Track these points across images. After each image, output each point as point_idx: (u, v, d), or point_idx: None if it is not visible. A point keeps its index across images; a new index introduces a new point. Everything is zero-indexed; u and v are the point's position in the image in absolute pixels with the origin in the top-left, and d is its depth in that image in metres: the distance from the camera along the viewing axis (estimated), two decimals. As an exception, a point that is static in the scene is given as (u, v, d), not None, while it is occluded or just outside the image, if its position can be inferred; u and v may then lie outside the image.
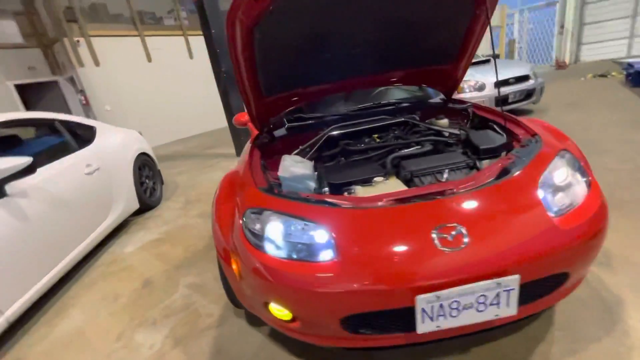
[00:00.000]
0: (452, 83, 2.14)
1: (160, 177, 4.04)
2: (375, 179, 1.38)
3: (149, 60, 8.04)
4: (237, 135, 5.37)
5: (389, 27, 1.66)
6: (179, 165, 5.58)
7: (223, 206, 1.47)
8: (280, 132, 2.08)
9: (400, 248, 1.02)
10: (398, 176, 1.43)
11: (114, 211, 2.92)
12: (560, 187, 1.15)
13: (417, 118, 1.96)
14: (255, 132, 2.30)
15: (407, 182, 1.37)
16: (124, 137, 3.46)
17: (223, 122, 8.95)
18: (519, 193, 1.12)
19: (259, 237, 1.19)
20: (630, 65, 6.29)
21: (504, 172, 1.21)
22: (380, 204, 1.13)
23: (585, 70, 8.94)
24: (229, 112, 5.23)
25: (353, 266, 1.02)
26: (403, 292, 0.97)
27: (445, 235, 1.01)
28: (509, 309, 1.00)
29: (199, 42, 8.77)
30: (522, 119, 1.65)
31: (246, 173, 1.53)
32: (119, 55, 7.48)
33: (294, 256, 1.12)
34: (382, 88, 2.42)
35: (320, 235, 1.11)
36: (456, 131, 1.73)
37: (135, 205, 3.28)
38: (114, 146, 3.19)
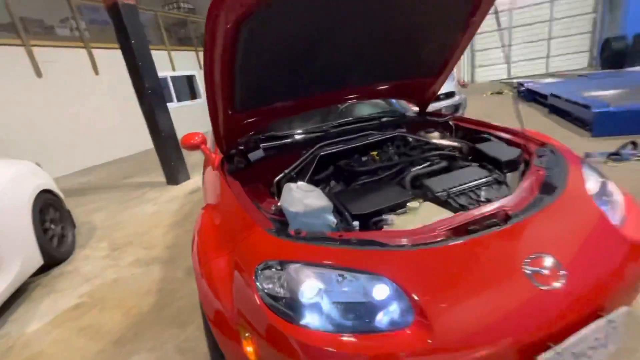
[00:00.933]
0: (428, 96, 2.09)
1: (71, 219, 3.16)
2: (408, 204, 1.15)
3: (39, 75, 6.60)
4: (167, 159, 4.64)
5: (385, 34, 1.50)
6: (92, 201, 4.55)
7: (213, 255, 1.07)
8: (254, 155, 1.72)
9: (495, 294, 0.80)
10: (426, 198, 1.23)
11: (2, 274, 2.09)
12: (607, 196, 1.09)
13: (406, 132, 1.82)
14: (215, 156, 1.91)
15: (443, 204, 1.18)
16: (15, 172, 2.58)
17: (140, 146, 7.91)
18: (580, 209, 1.01)
19: (288, 302, 0.85)
20: (520, 84, 7.55)
21: (547, 186, 1.11)
22: (442, 238, 0.90)
23: (483, 89, 10.46)
24: (156, 134, 4.50)
25: (446, 328, 0.75)
26: (519, 353, 0.74)
27: (538, 270, 0.82)
28: (612, 347, 0.85)
29: (105, 56, 7.64)
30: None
31: (238, 210, 1.15)
32: (-4, 68, 5.96)
33: (348, 324, 0.80)
34: (350, 103, 2.27)
35: (381, 290, 0.82)
36: (457, 144, 1.63)
37: (37, 261, 2.43)
38: (0, 186, 2.33)
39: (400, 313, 0.79)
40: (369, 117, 2.04)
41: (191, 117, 9.00)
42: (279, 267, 0.90)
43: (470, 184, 1.23)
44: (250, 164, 1.67)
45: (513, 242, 0.90)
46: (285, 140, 1.82)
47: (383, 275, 0.83)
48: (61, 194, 3.09)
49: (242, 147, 1.78)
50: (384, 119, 2.01)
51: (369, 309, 0.82)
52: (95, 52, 7.58)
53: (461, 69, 12.92)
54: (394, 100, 2.49)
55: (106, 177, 6.12)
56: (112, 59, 7.17)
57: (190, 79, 10.54)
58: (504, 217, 0.99)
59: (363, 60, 1.66)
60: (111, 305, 2.09)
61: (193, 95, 10.58)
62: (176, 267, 2.40)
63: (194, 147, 2.27)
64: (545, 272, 0.82)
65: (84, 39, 7.43)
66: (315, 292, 0.84)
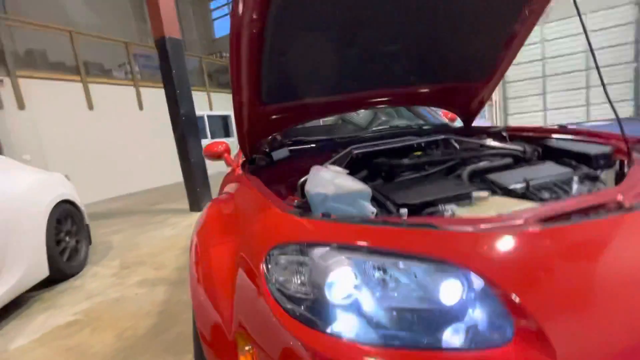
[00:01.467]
0: (475, 107, 1.86)
1: (88, 234, 3.06)
2: (475, 194, 0.87)
3: (90, 107, 7.17)
4: (193, 186, 4.62)
5: (431, 25, 1.33)
6: (115, 224, 4.51)
7: (215, 241, 0.83)
8: (279, 154, 1.53)
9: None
10: (493, 193, 0.95)
11: (1, 277, 1.92)
12: None
13: (455, 136, 1.57)
14: (237, 163, 1.74)
15: (521, 198, 0.88)
16: (38, 179, 2.56)
17: (171, 179, 8.11)
18: None
19: (310, 302, 0.59)
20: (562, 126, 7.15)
21: None
22: (537, 224, 0.61)
23: (518, 135, 10.06)
24: (185, 160, 4.54)
25: (574, 349, 0.44)
26: None
27: None
28: None
29: (149, 94, 8.26)
30: None
31: (253, 195, 0.94)
32: (53, 99, 6.53)
33: (402, 336, 0.52)
34: (386, 108, 2.08)
35: (454, 287, 0.54)
36: (519, 147, 1.35)
37: (42, 271, 2.28)
38: (19, 188, 2.28)
39: (490, 323, 0.50)
40: (407, 127, 1.83)
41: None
42: (299, 252, 0.64)
43: (552, 178, 0.93)
44: (273, 163, 1.47)
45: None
46: (314, 143, 1.63)
47: (461, 265, 0.54)
48: (83, 208, 3.03)
49: (266, 149, 1.61)
50: (425, 127, 1.78)
51: (435, 314, 0.53)
52: (142, 90, 8.23)
53: (493, 117, 12.69)
54: (431, 117, 2.28)
55: (134, 203, 6.20)
56: (156, 97, 7.71)
57: (225, 119, 11.08)
58: (617, 207, 0.69)
59: (405, 56, 1.49)
60: (106, 325, 1.83)
61: (227, 133, 11.04)
62: (183, 290, 2.14)
63: (217, 156, 2.14)
64: None
65: (134, 80, 8.14)
66: (351, 288, 0.57)
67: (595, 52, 1.09)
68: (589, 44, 1.08)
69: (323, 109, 1.60)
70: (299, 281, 0.62)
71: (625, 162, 1.02)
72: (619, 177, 1.02)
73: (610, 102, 0.97)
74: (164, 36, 4.14)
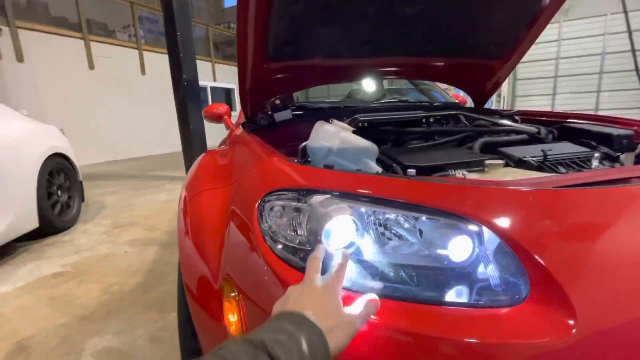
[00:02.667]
0: (490, 87, 1.78)
1: (81, 191, 3.01)
2: (487, 161, 0.82)
3: (91, 67, 6.98)
4: (191, 154, 4.53)
5: None
6: (110, 186, 4.46)
7: (207, 186, 0.78)
8: (281, 116, 1.46)
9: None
10: (507, 165, 0.89)
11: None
12: None
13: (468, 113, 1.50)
14: (235, 126, 1.68)
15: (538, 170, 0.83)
16: (32, 129, 2.49)
17: (171, 148, 8.01)
18: None
19: (306, 250, 0.54)
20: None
21: None
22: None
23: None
24: (185, 127, 4.44)
25: (596, 311, 0.40)
26: None
27: None
28: None
29: (153, 60, 8.03)
30: None
31: (252, 146, 0.88)
32: (53, 54, 6.34)
33: (405, 289, 0.48)
34: (398, 77, 1.99)
35: (464, 243, 0.49)
36: (533, 129, 1.29)
37: (32, 221, 2.24)
38: (12, 135, 2.21)
39: (503, 281, 0.45)
40: (418, 102, 1.75)
41: (222, 128, 9.15)
42: (297, 199, 0.59)
43: (569, 155, 0.88)
44: (274, 125, 1.41)
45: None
46: (319, 107, 1.56)
47: (474, 219, 0.49)
48: (77, 164, 2.96)
49: (269, 112, 1.54)
50: (435, 104, 1.71)
51: (443, 271, 0.49)
52: (145, 54, 8.00)
53: (502, 100, 12.42)
54: (442, 99, 2.20)
55: (132, 167, 6.14)
56: (160, 64, 7.51)
57: (228, 92, 10.87)
58: None
59: (423, 22, 1.39)
60: (92, 279, 1.81)
61: (229, 107, 10.87)
62: (173, 252, 2.12)
63: (217, 118, 2.08)
64: None
65: (138, 43, 7.90)
66: (351, 237, 0.52)
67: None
68: (632, 42, 1.00)
69: (331, 73, 1.52)
70: (294, 228, 0.58)
71: None
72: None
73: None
74: (170, -6, 3.96)
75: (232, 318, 0.59)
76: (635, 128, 1.13)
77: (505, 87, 12.37)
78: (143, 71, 8.03)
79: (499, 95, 12.54)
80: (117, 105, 7.41)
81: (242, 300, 0.58)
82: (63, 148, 2.73)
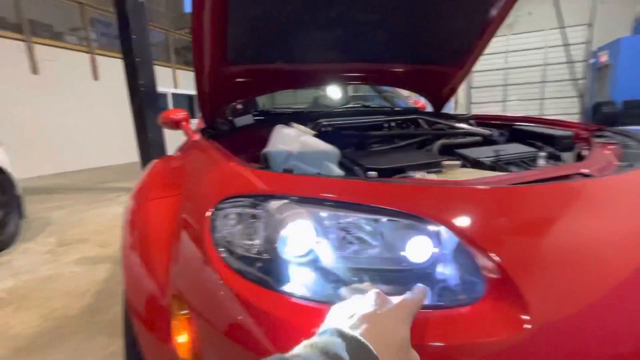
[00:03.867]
0: (446, 93, 1.86)
1: (19, 207, 2.71)
2: (445, 162, 0.83)
3: (35, 72, 6.42)
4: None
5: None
6: (58, 200, 4.09)
7: (156, 195, 0.72)
8: (241, 121, 1.41)
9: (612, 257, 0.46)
10: (463, 166, 0.92)
11: None
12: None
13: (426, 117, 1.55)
14: (194, 133, 1.61)
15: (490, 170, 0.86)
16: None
17: (128, 158, 7.55)
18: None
19: (261, 260, 0.50)
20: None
21: (629, 156, 0.82)
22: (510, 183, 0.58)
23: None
24: (142, 135, 4.20)
25: (550, 306, 0.41)
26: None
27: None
28: None
29: (107, 65, 7.56)
30: None
31: (209, 150, 0.83)
32: (-11, 58, 5.77)
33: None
34: (359, 83, 2.03)
35: (422, 243, 0.48)
36: (487, 131, 1.35)
37: (-43, 245, 1.97)
38: None
39: (460, 280, 0.45)
40: (379, 107, 1.79)
41: (183, 136, 8.80)
42: (253, 205, 0.55)
43: (518, 155, 0.92)
44: (235, 130, 1.35)
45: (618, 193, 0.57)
46: (282, 112, 1.54)
47: (432, 219, 0.48)
48: (15, 178, 2.67)
49: (229, 118, 1.48)
50: (396, 109, 1.75)
51: (402, 273, 0.47)
52: (99, 59, 7.52)
53: (460, 106, 13.16)
54: (403, 104, 2.27)
55: (84, 179, 5.70)
56: (116, 69, 7.10)
57: (191, 99, 10.51)
58: (583, 177, 0.68)
59: (383, 29, 1.42)
60: (32, 305, 1.62)
61: (192, 114, 10.49)
62: (129, 269, 1.96)
63: (174, 124, 1.96)
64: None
65: (90, 46, 7.41)
66: (310, 243, 0.50)
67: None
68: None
69: (293, 78, 1.51)
70: (249, 237, 0.54)
71: (585, 146, 1.05)
72: (579, 159, 1.04)
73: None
74: (123, -5, 3.76)
75: (181, 339, 0.53)
76: (574, 130, 1.22)
77: (461, 94, 13.18)
78: (96, 76, 7.53)
79: (456, 102, 13.33)
80: (67, 113, 6.86)
81: (193, 319, 0.53)
82: (-2, 159, 2.45)
